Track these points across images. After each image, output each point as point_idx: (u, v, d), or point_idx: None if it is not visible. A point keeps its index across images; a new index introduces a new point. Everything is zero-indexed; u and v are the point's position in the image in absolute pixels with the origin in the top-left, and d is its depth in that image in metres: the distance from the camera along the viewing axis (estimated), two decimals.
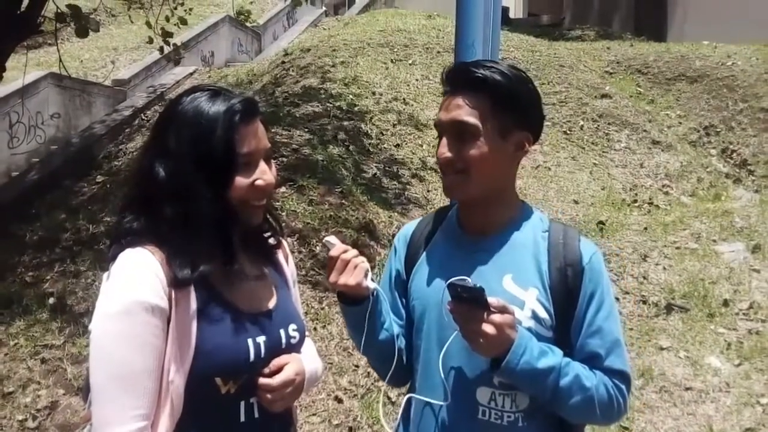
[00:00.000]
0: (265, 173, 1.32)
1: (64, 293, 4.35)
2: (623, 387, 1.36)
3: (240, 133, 1.28)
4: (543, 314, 1.35)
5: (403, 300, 1.55)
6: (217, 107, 1.28)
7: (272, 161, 1.38)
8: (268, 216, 1.47)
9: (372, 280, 1.40)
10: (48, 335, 3.96)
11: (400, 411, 1.53)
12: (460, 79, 1.40)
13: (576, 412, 1.34)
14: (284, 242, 1.55)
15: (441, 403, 1.39)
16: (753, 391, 3.77)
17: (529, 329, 1.32)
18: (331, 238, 1.42)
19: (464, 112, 1.36)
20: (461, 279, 1.26)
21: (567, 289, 1.35)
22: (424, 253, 1.51)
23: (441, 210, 1.60)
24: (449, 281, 1.27)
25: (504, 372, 1.26)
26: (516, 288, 1.36)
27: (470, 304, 1.24)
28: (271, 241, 1.49)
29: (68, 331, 3.97)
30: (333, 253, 1.38)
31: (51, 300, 4.29)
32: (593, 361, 1.35)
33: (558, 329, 1.36)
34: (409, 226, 1.61)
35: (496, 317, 1.23)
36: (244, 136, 1.28)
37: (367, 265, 1.39)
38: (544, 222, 1.45)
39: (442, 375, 1.38)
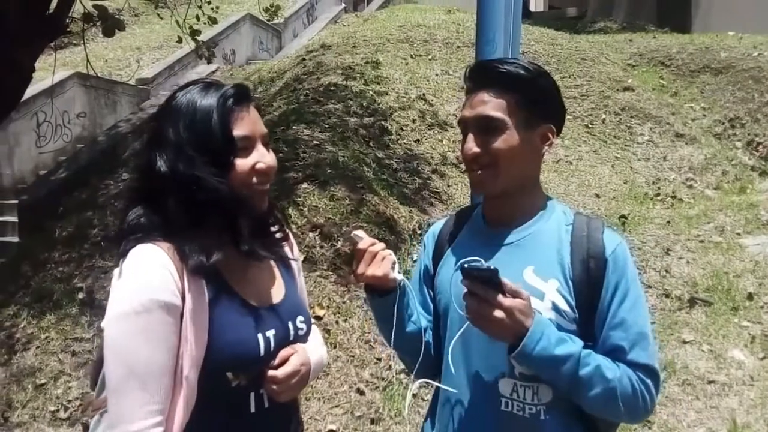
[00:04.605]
0: (264, 156, 1.34)
1: (93, 288, 4.46)
2: (649, 382, 1.33)
3: (235, 116, 1.30)
4: (564, 306, 1.33)
5: (431, 294, 1.57)
6: (211, 95, 1.31)
7: (270, 147, 1.38)
8: (274, 210, 1.48)
9: (399, 272, 1.42)
10: (78, 329, 4.06)
11: (409, 398, 1.55)
12: (483, 75, 1.42)
13: (597, 405, 1.32)
14: (290, 234, 1.56)
15: (454, 390, 1.41)
16: None
17: (549, 321, 1.31)
18: (359, 232, 1.45)
19: (489, 107, 1.37)
20: (475, 260, 1.26)
21: (590, 282, 1.34)
22: (450, 249, 1.53)
23: (468, 207, 1.62)
24: (461, 262, 1.28)
25: (519, 356, 1.26)
26: (537, 279, 1.36)
27: (484, 285, 1.24)
28: (278, 235, 1.50)
29: (97, 324, 4.06)
30: (361, 245, 1.41)
31: (80, 294, 4.41)
32: (616, 354, 1.32)
33: (582, 323, 1.34)
34: (439, 223, 1.64)
35: (507, 301, 1.23)
36: (240, 120, 1.31)
37: (393, 257, 1.42)
38: (567, 215, 1.46)
39: (451, 365, 1.40)
